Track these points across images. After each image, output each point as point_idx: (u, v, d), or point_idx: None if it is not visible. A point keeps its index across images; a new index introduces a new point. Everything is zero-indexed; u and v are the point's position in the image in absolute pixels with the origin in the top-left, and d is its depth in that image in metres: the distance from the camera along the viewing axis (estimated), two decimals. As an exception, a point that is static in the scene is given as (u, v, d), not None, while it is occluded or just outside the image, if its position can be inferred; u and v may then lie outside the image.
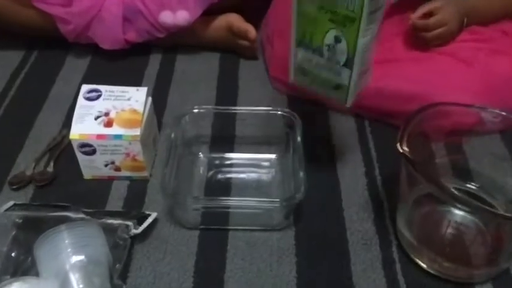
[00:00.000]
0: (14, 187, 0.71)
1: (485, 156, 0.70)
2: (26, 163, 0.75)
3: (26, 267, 0.59)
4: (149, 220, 0.65)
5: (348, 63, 0.59)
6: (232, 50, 0.97)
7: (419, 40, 0.81)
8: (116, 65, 0.95)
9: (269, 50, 0.91)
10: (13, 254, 0.60)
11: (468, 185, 0.70)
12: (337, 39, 0.58)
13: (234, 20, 0.93)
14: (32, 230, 0.60)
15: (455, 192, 0.57)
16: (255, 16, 0.96)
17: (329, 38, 0.59)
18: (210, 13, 0.93)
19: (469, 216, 0.63)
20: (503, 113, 0.63)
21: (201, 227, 0.67)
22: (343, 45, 0.58)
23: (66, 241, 0.57)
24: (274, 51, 0.88)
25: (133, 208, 0.69)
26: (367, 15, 0.55)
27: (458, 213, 0.64)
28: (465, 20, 0.82)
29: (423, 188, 0.60)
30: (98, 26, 0.91)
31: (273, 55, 0.89)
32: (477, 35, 0.82)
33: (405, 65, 0.79)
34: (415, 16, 0.79)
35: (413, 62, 0.79)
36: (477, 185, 0.70)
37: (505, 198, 0.67)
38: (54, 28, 0.91)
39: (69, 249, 0.57)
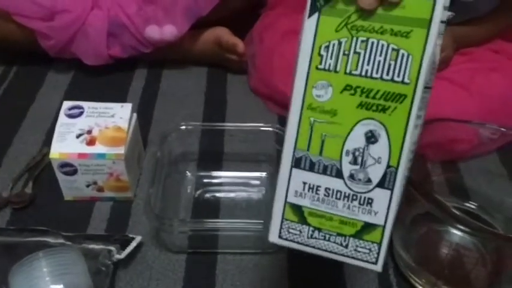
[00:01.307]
0: (-10, 210, 0.68)
1: (482, 173, 0.69)
2: (3, 184, 0.71)
3: (0, 298, 0.55)
4: (133, 244, 0.61)
5: (386, 180, 0.38)
6: (219, 64, 0.95)
7: None
8: (99, 81, 0.92)
9: (251, 70, 0.90)
10: (-14, 283, 0.56)
11: (466, 204, 0.68)
12: (370, 138, 0.37)
13: (223, 33, 0.91)
14: (6, 257, 0.56)
15: (455, 211, 0.55)
16: (243, 29, 0.94)
17: (355, 139, 0.38)
18: (197, 27, 0.90)
19: (467, 237, 0.61)
20: (502, 129, 0.61)
21: (189, 250, 0.64)
22: (380, 147, 0.37)
23: (44, 269, 0.54)
24: (257, 72, 0.87)
25: (117, 231, 0.65)
26: (423, 86, 0.36)
27: (456, 233, 0.61)
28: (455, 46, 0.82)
29: (421, 207, 0.57)
30: (81, 41, 0.88)
31: (255, 76, 0.88)
32: (469, 56, 0.82)
33: None
34: None
35: None
36: (474, 204, 0.68)
37: (503, 217, 0.65)
38: (35, 42, 0.88)
39: (47, 278, 0.53)
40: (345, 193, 0.39)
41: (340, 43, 0.37)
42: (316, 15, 0.38)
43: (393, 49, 0.36)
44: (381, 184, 0.38)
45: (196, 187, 0.73)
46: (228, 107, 0.87)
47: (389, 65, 0.36)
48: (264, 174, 0.74)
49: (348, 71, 0.37)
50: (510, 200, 0.64)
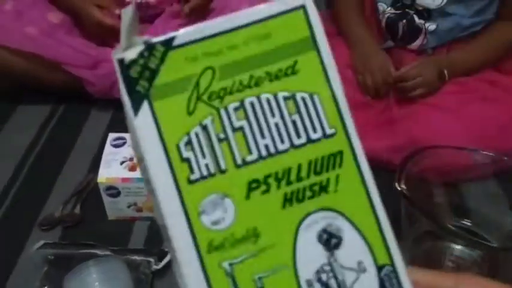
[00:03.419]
0: (44, 228, 0.77)
1: (481, 195, 0.75)
2: (55, 206, 0.81)
3: (56, 301, 0.64)
4: (169, 256, 0.70)
5: None
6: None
7: (400, 93, 0.85)
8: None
9: None
10: (44, 289, 0.66)
11: (466, 223, 0.75)
12: (329, 241, 0.24)
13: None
14: (62, 266, 0.66)
15: (453, 228, 0.61)
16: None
17: (309, 255, 0.24)
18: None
19: (467, 251, 0.68)
20: (492, 155, 0.69)
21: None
22: (350, 246, 0.24)
23: (94, 275, 0.62)
24: None
25: (154, 246, 0.74)
26: (354, 126, 0.25)
27: (457, 248, 0.68)
28: (446, 72, 0.85)
29: (421, 225, 0.65)
30: None
31: None
32: (463, 87, 0.86)
33: (396, 122, 0.84)
34: (395, 74, 0.85)
35: (403, 116, 0.83)
36: (474, 222, 0.74)
37: (500, 234, 0.71)
38: (79, 87, 0.98)
39: (96, 283, 0.62)
40: None
41: (204, 128, 0.24)
42: (145, 105, 0.23)
43: (285, 98, 0.24)
44: None
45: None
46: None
47: (294, 122, 0.24)
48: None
49: (239, 162, 0.24)
50: (505, 218, 0.71)
